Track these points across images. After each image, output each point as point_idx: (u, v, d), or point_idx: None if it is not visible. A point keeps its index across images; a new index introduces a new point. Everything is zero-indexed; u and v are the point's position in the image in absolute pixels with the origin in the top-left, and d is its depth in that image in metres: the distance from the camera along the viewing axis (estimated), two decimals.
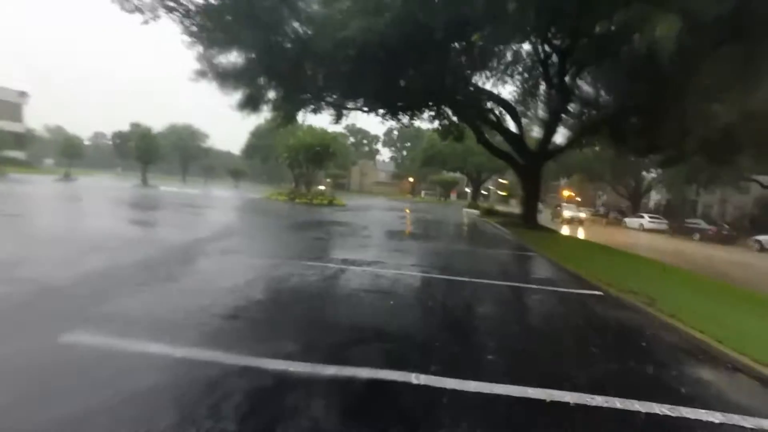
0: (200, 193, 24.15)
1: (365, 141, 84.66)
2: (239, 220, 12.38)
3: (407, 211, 23.33)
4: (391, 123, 19.38)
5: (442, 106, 18.34)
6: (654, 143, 16.23)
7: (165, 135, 67.21)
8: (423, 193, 63.50)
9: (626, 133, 16.28)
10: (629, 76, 11.92)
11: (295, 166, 24.17)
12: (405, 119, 19.04)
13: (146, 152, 26.79)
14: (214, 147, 70.19)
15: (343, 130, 75.95)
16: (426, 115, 19.03)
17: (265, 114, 16.44)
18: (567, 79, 13.77)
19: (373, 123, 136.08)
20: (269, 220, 12.77)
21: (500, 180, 67.42)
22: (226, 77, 12.51)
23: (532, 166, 14.89)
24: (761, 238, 18.85)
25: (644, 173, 40.05)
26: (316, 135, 21.70)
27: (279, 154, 23.50)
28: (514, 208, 39.31)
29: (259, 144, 52.23)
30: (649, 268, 8.62)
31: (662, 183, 40.38)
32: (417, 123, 20.67)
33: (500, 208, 31.47)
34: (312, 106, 16.22)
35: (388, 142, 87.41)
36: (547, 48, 13.69)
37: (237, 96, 13.03)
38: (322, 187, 40.25)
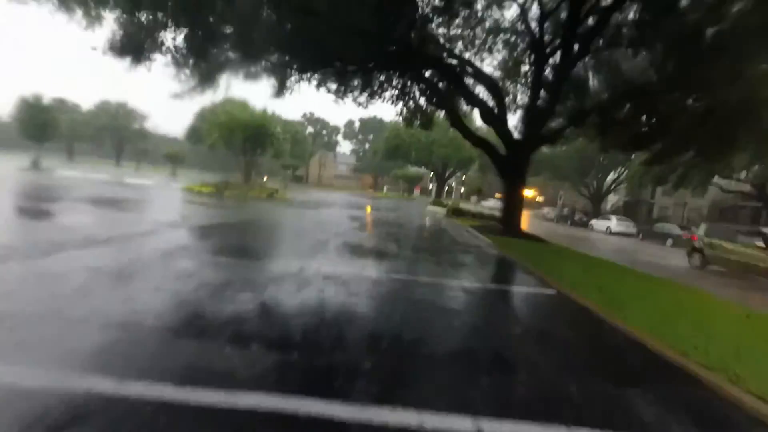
0: (106, 180, 19.17)
1: (324, 131, 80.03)
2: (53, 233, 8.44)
3: (366, 210, 19.96)
4: (345, 102, 15.89)
5: (408, 82, 15.15)
6: (647, 135, 14.21)
7: (95, 113, 58.91)
8: (386, 188, 60.44)
9: (618, 123, 14.10)
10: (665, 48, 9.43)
11: (237, 152, 19.82)
12: (362, 98, 15.64)
13: (35, 128, 21.09)
14: (157, 130, 62.66)
15: (300, 119, 71.13)
16: (389, 94, 15.77)
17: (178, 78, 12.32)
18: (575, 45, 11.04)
19: (332, 113, 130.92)
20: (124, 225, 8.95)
21: (463, 176, 66.17)
22: None
23: (517, 158, 12.10)
24: None
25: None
26: (253, 114, 17.70)
27: (209, 136, 19.13)
28: (478, 206, 37.49)
29: (203, 127, 46.52)
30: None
31: (624, 184, 40.30)
32: (378, 104, 17.28)
33: (465, 206, 29.13)
34: (239, 68, 12.34)
35: (349, 134, 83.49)
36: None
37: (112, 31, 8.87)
38: (264, 178, 35.88)
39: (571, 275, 6.32)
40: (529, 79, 13.11)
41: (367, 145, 75.98)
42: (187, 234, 7.05)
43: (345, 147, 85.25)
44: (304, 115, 76.67)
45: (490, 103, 12.73)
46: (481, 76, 11.95)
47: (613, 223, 27.07)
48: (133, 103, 72.09)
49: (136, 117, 59.98)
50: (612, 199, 47.60)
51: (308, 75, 15.15)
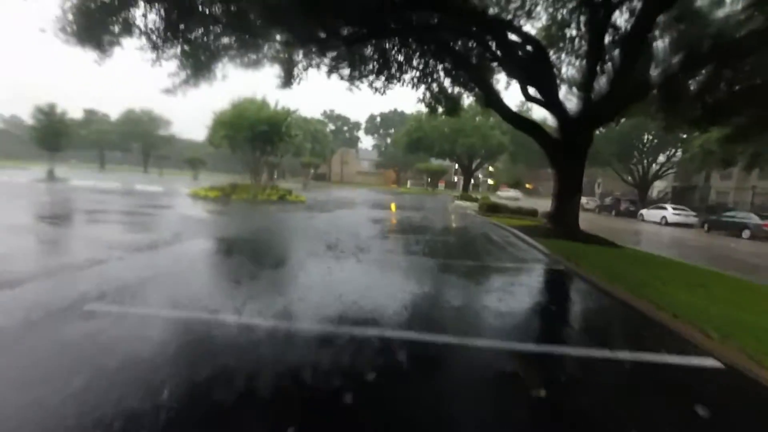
0: (113, 188, 18.26)
1: (345, 128, 78.58)
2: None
3: (392, 208, 18.02)
4: (360, 89, 13.97)
5: (431, 60, 13.04)
6: (728, 106, 11.52)
7: (121, 122, 60.11)
8: (409, 183, 58.32)
9: (692, 93, 11.52)
10: None
11: (246, 152, 18.34)
12: (379, 82, 13.68)
13: (49, 137, 20.52)
14: (182, 135, 63.33)
15: (320, 117, 69.98)
16: (408, 76, 13.73)
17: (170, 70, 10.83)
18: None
19: (353, 109, 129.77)
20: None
21: (490, 168, 62.93)
22: None
23: (575, 140, 9.73)
24: None
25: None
26: (261, 110, 16.13)
27: (214, 135, 17.75)
28: (512, 200, 34.73)
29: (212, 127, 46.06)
30: None
31: (674, 168, 36.26)
32: (397, 90, 15.27)
33: (497, 200, 26.64)
34: (234, 53, 10.70)
35: (371, 128, 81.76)
36: None
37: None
38: (274, 178, 34.78)
39: (720, 317, 4.11)
40: (583, 45, 10.66)
41: (388, 140, 73.91)
42: (120, 269, 5.28)
43: (367, 143, 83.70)
44: (324, 112, 75.53)
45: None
46: (528, 40, 9.64)
47: (669, 213, 23.83)
48: (160, 110, 73.32)
49: (161, 123, 60.66)
50: (659, 186, 43.26)
51: (316, 60, 13.38)
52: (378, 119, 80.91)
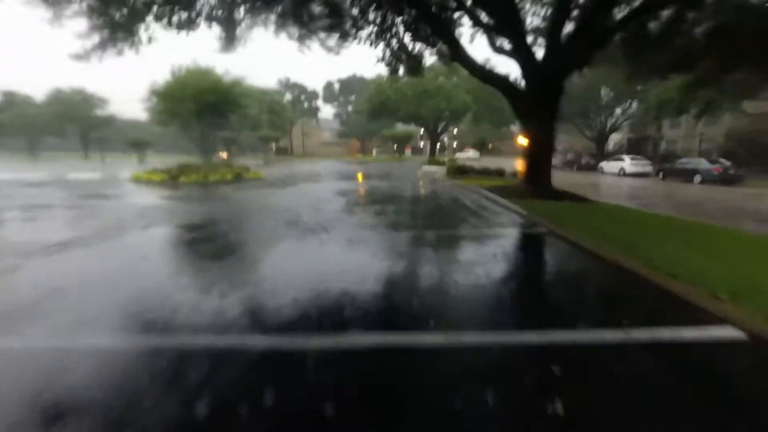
0: (43, 178, 16.08)
1: (303, 97, 74.59)
2: None
3: (358, 178, 17.15)
4: (311, 49, 12.62)
5: (388, 13, 11.86)
6: (693, 51, 11.41)
7: (48, 104, 53.55)
8: (375, 151, 56.91)
9: (652, 39, 11.26)
10: None
11: (192, 126, 16.45)
12: (331, 41, 12.40)
13: None
14: (124, 115, 57.57)
15: (275, 86, 65.74)
16: (365, 33, 12.49)
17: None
18: None
19: (310, 76, 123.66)
20: None
21: (455, 130, 62.60)
22: None
23: (545, 92, 9.20)
24: None
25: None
26: (207, 78, 14.27)
27: (154, 110, 15.63)
28: (472, 160, 34.68)
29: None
30: None
31: (630, 120, 37.37)
32: (354, 47, 14.01)
33: (463, 161, 26.40)
34: (165, 11, 9.10)
35: (329, 96, 78.36)
36: None
37: None
38: (223, 155, 32.64)
39: (715, 272, 3.79)
40: None
41: (350, 108, 71.24)
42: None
43: (327, 112, 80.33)
44: (280, 81, 71.05)
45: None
46: None
47: (627, 164, 24.62)
48: (98, 89, 66.07)
49: (96, 102, 54.68)
50: (615, 138, 44.74)
51: (260, 17, 11.85)
52: (336, 86, 77.43)
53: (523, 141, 11.70)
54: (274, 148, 71.54)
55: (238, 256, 4.97)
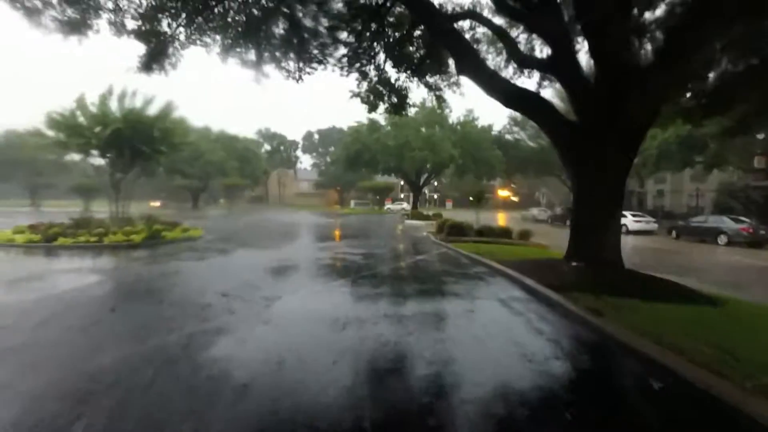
0: None
1: (282, 147, 73.00)
2: None
3: (335, 233, 13.58)
4: (269, 76, 9.74)
5: (367, 33, 9.28)
6: (731, 91, 9.14)
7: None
8: (353, 203, 54.13)
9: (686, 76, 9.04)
10: None
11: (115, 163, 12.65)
12: (290, 64, 9.60)
13: None
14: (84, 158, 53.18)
15: (254, 136, 63.98)
16: (336, 56, 9.81)
17: None
18: None
19: (290, 127, 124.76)
20: None
21: (435, 183, 61.22)
22: None
23: (615, 119, 5.97)
24: None
25: None
26: (108, 103, 10.87)
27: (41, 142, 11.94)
28: (458, 214, 32.00)
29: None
30: None
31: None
32: (322, 75, 11.26)
33: (453, 217, 23.57)
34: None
35: (309, 147, 77.32)
36: None
37: None
38: (155, 204, 29.02)
39: None
40: None
41: (328, 158, 69.75)
42: None
43: (306, 162, 78.73)
44: (260, 131, 69.52)
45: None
46: None
47: (630, 221, 22.33)
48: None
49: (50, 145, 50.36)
50: None
51: (195, 32, 9.08)
52: (316, 137, 76.77)
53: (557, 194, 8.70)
54: (248, 197, 68.02)
55: None
